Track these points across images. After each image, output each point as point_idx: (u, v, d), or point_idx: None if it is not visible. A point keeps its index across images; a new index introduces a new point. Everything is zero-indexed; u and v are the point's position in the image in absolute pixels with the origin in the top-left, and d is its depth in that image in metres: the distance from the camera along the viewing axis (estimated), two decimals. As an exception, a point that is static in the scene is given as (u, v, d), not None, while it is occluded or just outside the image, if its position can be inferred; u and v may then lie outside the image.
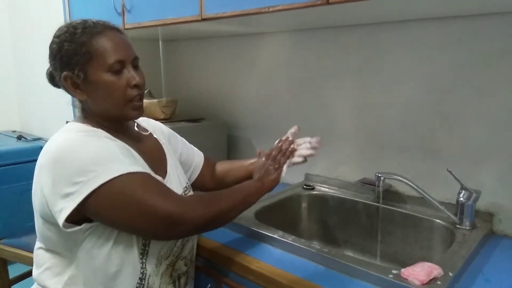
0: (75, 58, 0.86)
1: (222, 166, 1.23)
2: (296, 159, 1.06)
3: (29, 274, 1.83)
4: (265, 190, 0.99)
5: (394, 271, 0.86)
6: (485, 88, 1.13)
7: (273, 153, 1.04)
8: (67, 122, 0.97)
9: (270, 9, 1.08)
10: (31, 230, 0.99)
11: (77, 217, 0.80)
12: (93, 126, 0.90)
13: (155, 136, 1.07)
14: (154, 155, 1.01)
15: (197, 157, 1.19)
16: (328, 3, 0.96)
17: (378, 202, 1.24)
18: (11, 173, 2.34)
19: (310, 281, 0.88)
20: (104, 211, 0.80)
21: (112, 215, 0.81)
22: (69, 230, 0.81)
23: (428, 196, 1.13)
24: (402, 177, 1.14)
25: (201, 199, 0.89)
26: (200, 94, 1.99)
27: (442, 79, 1.21)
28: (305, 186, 1.50)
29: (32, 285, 0.95)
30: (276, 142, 1.07)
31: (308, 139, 1.07)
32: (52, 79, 0.95)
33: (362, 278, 0.88)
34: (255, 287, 0.96)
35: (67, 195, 0.78)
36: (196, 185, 1.16)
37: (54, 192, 0.79)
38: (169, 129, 1.17)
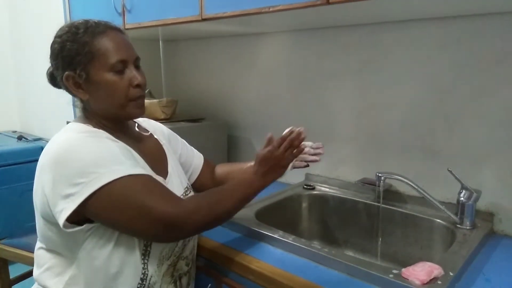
0: (77, 57, 0.86)
1: (222, 169, 1.23)
2: (298, 163, 1.07)
3: (29, 274, 1.83)
4: (266, 186, 0.97)
5: (394, 271, 0.86)
6: (485, 88, 1.13)
7: (283, 146, 0.96)
8: (67, 122, 0.97)
9: (270, 9, 1.09)
10: (32, 230, 0.99)
11: (78, 217, 0.81)
12: (94, 127, 0.91)
13: (155, 136, 1.08)
14: (155, 155, 1.01)
15: (197, 159, 1.19)
16: (328, 3, 0.96)
17: (379, 202, 1.24)
18: (12, 174, 2.35)
19: (311, 281, 0.88)
20: (104, 212, 0.80)
21: (112, 217, 0.81)
22: (69, 230, 0.81)
23: (428, 196, 1.13)
24: (403, 177, 1.14)
25: (202, 200, 0.89)
26: (200, 94, 1.99)
27: (442, 79, 1.21)
28: (305, 186, 1.50)
29: (32, 285, 0.95)
30: (287, 130, 0.99)
31: (309, 143, 1.08)
32: (53, 79, 0.96)
33: (362, 278, 0.88)
34: (256, 287, 0.96)
35: (68, 196, 0.78)
36: (195, 187, 1.16)
37: (55, 192, 0.79)
38: (169, 130, 1.17)
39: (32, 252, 0.96)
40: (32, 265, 0.96)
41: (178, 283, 0.99)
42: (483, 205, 1.16)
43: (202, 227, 0.91)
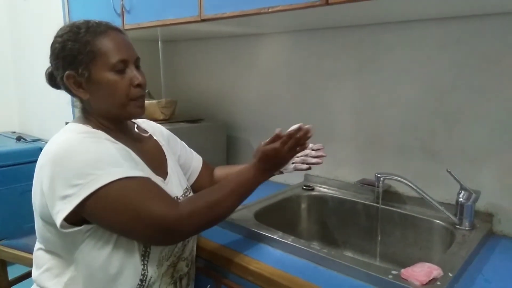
0: (79, 57, 0.87)
1: (220, 171, 1.23)
2: (300, 165, 1.07)
3: (28, 275, 1.83)
4: (264, 181, 0.96)
5: (393, 272, 0.86)
6: (485, 89, 1.13)
7: (289, 145, 0.93)
8: (66, 123, 0.97)
9: (270, 10, 1.09)
10: (31, 231, 0.99)
11: (76, 218, 0.80)
12: (94, 127, 0.90)
13: (155, 137, 1.08)
14: (155, 156, 1.01)
15: (196, 161, 1.19)
16: (327, 3, 0.96)
17: (378, 203, 1.24)
18: (11, 174, 2.34)
19: (310, 282, 0.88)
20: (100, 215, 0.80)
21: (109, 219, 0.81)
22: (67, 230, 0.81)
23: (427, 197, 1.13)
24: (402, 178, 1.14)
25: (199, 202, 0.87)
26: (200, 95, 1.99)
27: (442, 79, 1.21)
28: (304, 187, 1.50)
29: (31, 286, 0.95)
30: (295, 127, 0.93)
31: (310, 145, 1.08)
32: (52, 80, 0.95)
33: (361, 278, 0.88)
34: (255, 287, 0.96)
35: (65, 197, 0.78)
36: (193, 189, 1.15)
37: (53, 193, 0.79)
38: (169, 131, 1.17)
39: (31, 253, 0.96)
40: (31, 266, 0.95)
41: (178, 284, 0.99)
42: (482, 206, 1.16)
43: (200, 229, 0.91)
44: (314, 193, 1.48)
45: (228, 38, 1.81)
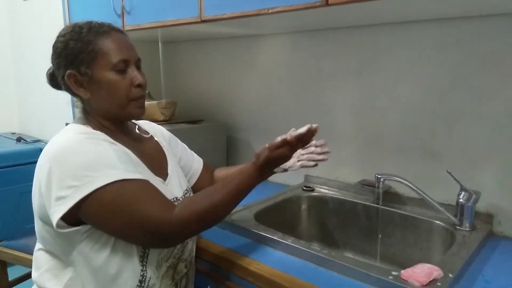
0: (80, 56, 0.87)
1: (221, 172, 1.22)
2: (307, 163, 1.07)
3: (28, 276, 1.83)
4: (263, 180, 0.93)
5: (394, 273, 0.86)
6: (484, 90, 1.13)
7: (296, 146, 0.89)
8: (66, 124, 0.97)
9: (270, 11, 1.09)
10: (30, 232, 0.99)
11: (74, 219, 0.80)
12: (94, 128, 0.90)
13: (155, 138, 1.08)
14: (155, 157, 1.01)
15: (196, 163, 1.19)
16: (327, 4, 0.96)
17: (378, 204, 1.24)
18: (10, 175, 2.34)
19: (310, 283, 0.88)
20: (96, 217, 0.80)
21: (104, 222, 0.81)
22: (63, 231, 0.81)
23: (427, 198, 1.13)
24: (402, 179, 1.14)
25: (197, 204, 0.85)
26: (200, 96, 1.99)
27: (441, 80, 1.21)
28: (304, 188, 1.50)
29: (31, 287, 0.95)
30: (305, 129, 0.87)
31: (313, 142, 1.07)
32: (53, 80, 0.96)
33: (362, 279, 0.88)
34: (255, 288, 0.96)
35: (60, 198, 0.78)
36: (194, 191, 1.15)
37: (50, 194, 0.79)
38: (170, 133, 1.17)
39: (31, 254, 0.96)
40: (31, 267, 0.95)
41: (179, 285, 0.99)
42: (483, 207, 1.16)
43: (196, 233, 0.91)
44: (314, 194, 1.48)
45: (228, 39, 1.81)
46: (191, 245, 1.02)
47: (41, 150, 0.87)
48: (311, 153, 1.09)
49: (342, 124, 1.46)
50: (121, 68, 0.89)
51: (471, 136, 1.17)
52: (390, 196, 1.32)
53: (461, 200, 1.11)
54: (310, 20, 1.31)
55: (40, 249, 0.92)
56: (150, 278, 0.89)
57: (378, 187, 1.17)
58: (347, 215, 1.38)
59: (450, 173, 1.10)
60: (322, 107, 1.51)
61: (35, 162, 0.86)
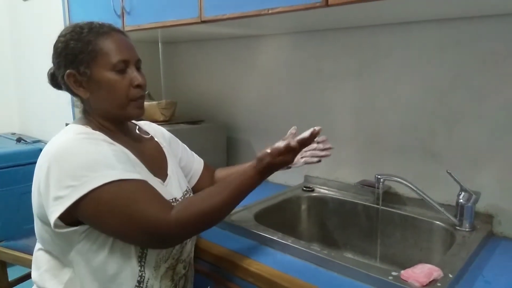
0: (80, 55, 0.87)
1: (221, 173, 1.22)
2: (311, 159, 1.07)
3: (28, 276, 1.83)
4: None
5: (393, 273, 0.86)
6: (484, 90, 1.13)
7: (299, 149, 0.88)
8: (66, 124, 0.97)
9: (270, 11, 1.09)
10: (30, 232, 0.99)
11: (72, 219, 0.80)
12: (93, 128, 0.91)
13: (156, 139, 1.08)
14: (154, 157, 1.01)
15: (197, 164, 1.19)
16: (327, 5, 0.96)
17: (378, 204, 1.24)
18: (11, 176, 2.34)
19: (310, 283, 0.88)
20: (93, 217, 0.80)
21: (101, 222, 0.80)
22: (61, 230, 0.81)
23: (427, 198, 1.13)
24: (402, 179, 1.14)
25: (195, 206, 0.84)
26: (200, 96, 1.99)
27: (441, 80, 1.21)
28: (304, 188, 1.50)
29: (31, 287, 0.95)
30: (309, 133, 0.85)
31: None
32: (54, 80, 0.96)
33: (361, 280, 0.88)
34: (255, 289, 0.96)
35: (58, 198, 0.78)
36: (194, 192, 1.15)
37: (48, 194, 0.79)
38: (170, 133, 1.17)
39: (31, 254, 0.96)
40: (31, 267, 0.95)
41: (177, 286, 0.99)
42: (482, 207, 1.16)
43: (193, 234, 0.91)
44: (314, 194, 1.48)
45: (228, 40, 1.81)
46: (190, 246, 1.02)
47: (41, 150, 0.87)
48: (314, 149, 1.09)
49: (342, 125, 1.46)
50: (121, 68, 0.89)
51: (471, 136, 1.17)
52: (390, 197, 1.32)
53: (461, 200, 1.11)
54: (310, 21, 1.31)
55: (40, 249, 0.92)
56: (148, 279, 0.89)
57: (378, 188, 1.17)
58: (347, 215, 1.38)
59: (450, 174, 1.10)
60: (322, 107, 1.51)
61: (35, 162, 0.86)
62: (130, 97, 0.91)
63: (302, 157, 1.10)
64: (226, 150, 1.79)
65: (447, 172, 1.11)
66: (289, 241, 1.03)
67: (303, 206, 1.47)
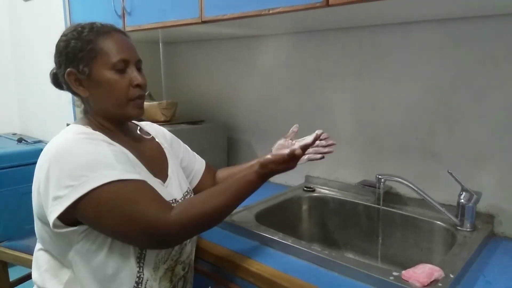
0: (80, 54, 0.88)
1: (223, 173, 1.22)
2: (314, 156, 1.07)
3: (29, 276, 1.82)
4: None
5: (394, 273, 0.86)
6: (485, 90, 1.13)
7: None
8: (67, 124, 0.97)
9: (270, 12, 1.09)
10: (31, 232, 0.99)
11: (71, 219, 0.80)
12: (93, 129, 0.91)
13: (157, 140, 1.08)
14: (155, 158, 1.01)
15: (198, 164, 1.19)
16: (328, 5, 0.96)
17: (379, 204, 1.24)
18: (11, 176, 2.34)
19: (311, 283, 0.88)
20: (92, 217, 0.80)
21: (100, 222, 0.80)
22: (60, 230, 0.81)
23: (428, 198, 1.13)
24: (403, 179, 1.14)
25: (195, 207, 0.84)
26: (200, 96, 1.99)
27: (442, 80, 1.21)
28: (305, 188, 1.50)
29: (32, 287, 0.95)
30: (313, 136, 0.86)
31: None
32: (55, 80, 0.96)
33: (362, 280, 0.88)
34: (255, 289, 0.96)
35: (57, 198, 0.78)
36: (196, 192, 1.15)
37: (47, 193, 0.79)
38: (172, 134, 1.17)
39: (32, 254, 0.96)
40: (32, 267, 0.95)
41: (176, 287, 0.98)
42: (483, 207, 1.16)
43: (192, 236, 0.91)
44: (315, 194, 1.48)
45: (229, 40, 1.81)
46: (189, 247, 1.01)
47: (41, 150, 0.87)
48: (317, 146, 1.08)
49: (342, 125, 1.46)
50: (121, 68, 0.89)
51: (472, 136, 1.17)
52: (391, 197, 1.32)
53: (462, 200, 1.11)
54: (311, 21, 1.31)
55: (40, 249, 0.92)
56: (147, 280, 0.89)
57: (378, 188, 1.17)
58: (348, 215, 1.38)
59: (450, 174, 1.10)
60: (323, 107, 1.51)
61: (36, 162, 0.86)
62: (129, 97, 0.91)
63: (305, 154, 1.10)
64: (226, 150, 1.79)
65: (448, 172, 1.11)
66: (289, 241, 1.03)
67: (304, 206, 1.47)
